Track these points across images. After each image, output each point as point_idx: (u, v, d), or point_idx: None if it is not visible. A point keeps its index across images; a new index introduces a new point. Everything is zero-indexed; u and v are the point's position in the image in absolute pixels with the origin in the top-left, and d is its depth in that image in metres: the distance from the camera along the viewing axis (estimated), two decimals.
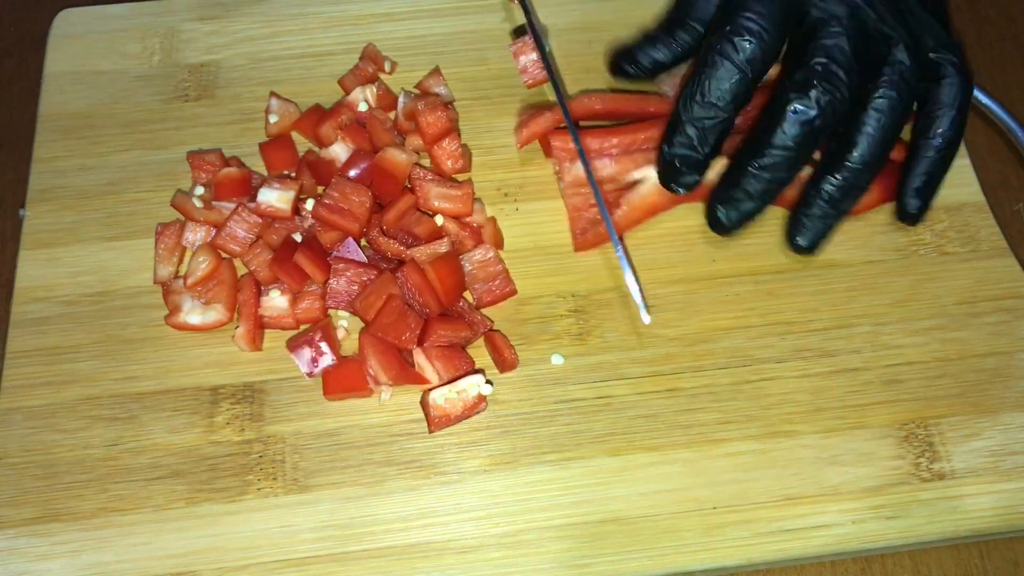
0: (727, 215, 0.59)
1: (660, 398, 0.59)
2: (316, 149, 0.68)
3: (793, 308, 0.63)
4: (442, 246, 0.62)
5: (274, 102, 0.69)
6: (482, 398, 0.58)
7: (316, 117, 0.68)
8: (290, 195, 0.63)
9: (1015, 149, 0.72)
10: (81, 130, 0.69)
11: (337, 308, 0.61)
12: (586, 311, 0.63)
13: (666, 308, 0.62)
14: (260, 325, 0.61)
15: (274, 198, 0.63)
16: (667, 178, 0.60)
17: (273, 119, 0.69)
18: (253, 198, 0.64)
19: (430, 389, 0.58)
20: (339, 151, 0.66)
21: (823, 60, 0.55)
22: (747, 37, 0.56)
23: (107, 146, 0.69)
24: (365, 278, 0.60)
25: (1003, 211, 0.69)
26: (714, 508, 0.56)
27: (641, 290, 0.59)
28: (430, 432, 0.58)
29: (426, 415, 0.58)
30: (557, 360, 0.60)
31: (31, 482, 0.57)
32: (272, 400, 0.60)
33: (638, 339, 0.61)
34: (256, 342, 0.61)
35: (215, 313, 0.61)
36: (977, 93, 0.72)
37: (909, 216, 0.61)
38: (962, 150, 0.68)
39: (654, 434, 0.58)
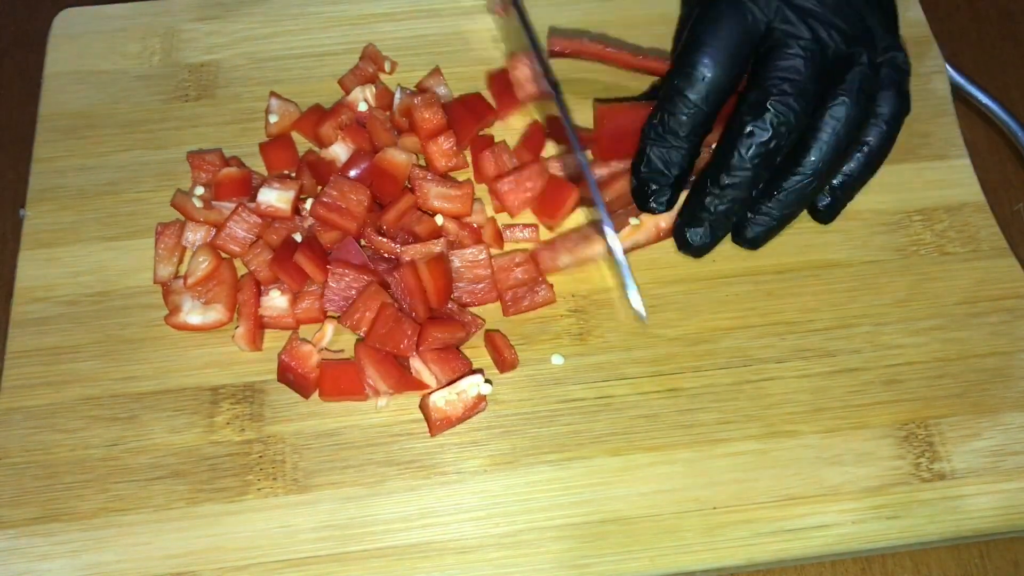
0: (693, 235, 0.60)
1: (660, 398, 0.59)
2: (316, 149, 0.68)
3: (793, 308, 0.63)
4: (437, 246, 0.62)
5: (274, 102, 0.69)
6: (482, 398, 0.58)
7: (316, 117, 0.68)
8: (290, 195, 0.63)
9: (1015, 149, 0.72)
10: (81, 130, 0.69)
11: (337, 311, 0.61)
12: (586, 311, 0.62)
13: (666, 308, 0.62)
14: (260, 325, 0.61)
15: (274, 198, 0.63)
16: (641, 201, 0.61)
17: (273, 119, 0.69)
18: (253, 198, 0.64)
19: (429, 392, 0.58)
20: (339, 151, 0.66)
21: (778, 82, 0.56)
22: (703, 73, 0.57)
23: (107, 146, 0.69)
24: (362, 282, 0.60)
25: (1003, 211, 0.69)
26: (714, 508, 0.56)
27: (638, 290, 0.59)
28: (431, 435, 0.58)
29: (427, 418, 0.58)
30: (557, 360, 0.60)
31: (31, 482, 0.57)
32: (272, 400, 0.60)
33: (638, 339, 0.61)
34: (256, 342, 0.61)
35: (215, 313, 0.61)
36: (977, 93, 0.72)
37: (818, 213, 0.62)
38: (962, 150, 0.68)
39: (654, 434, 0.58)
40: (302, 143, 0.69)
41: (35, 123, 0.70)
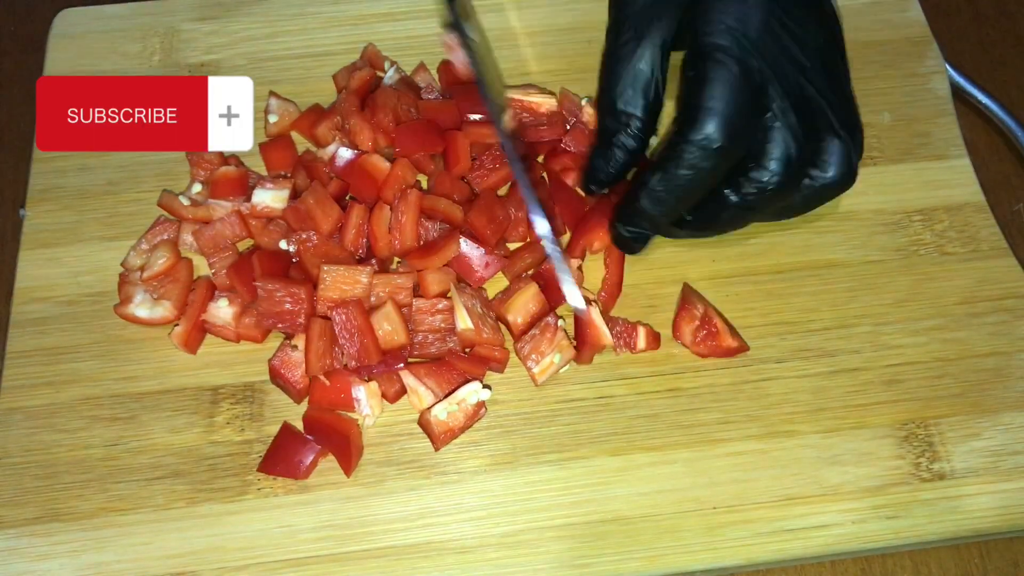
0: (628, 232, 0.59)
1: (660, 398, 0.59)
2: (314, 149, 0.68)
3: (793, 308, 0.63)
4: (362, 275, 0.59)
5: (273, 102, 0.69)
6: (482, 404, 0.58)
7: (314, 117, 0.68)
8: (284, 195, 0.63)
9: (1015, 149, 0.72)
10: None
11: (272, 328, 0.60)
12: None
13: (666, 308, 0.62)
14: (201, 329, 0.61)
15: (268, 198, 0.63)
16: (616, 237, 0.60)
17: (273, 119, 0.69)
18: (249, 197, 0.64)
19: (428, 407, 0.57)
20: (335, 151, 0.66)
21: (773, 169, 0.54)
22: (713, 141, 0.52)
23: None
24: (294, 305, 0.59)
25: (1003, 211, 0.69)
26: (714, 508, 0.56)
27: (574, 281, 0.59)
28: (436, 449, 0.58)
29: (429, 434, 0.58)
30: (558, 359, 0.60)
31: (31, 482, 0.57)
32: (272, 400, 0.59)
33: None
34: (191, 344, 0.60)
35: (162, 310, 0.61)
36: (977, 93, 0.72)
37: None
38: (962, 150, 0.68)
39: (654, 434, 0.58)
40: (302, 143, 0.69)
41: (35, 123, 0.70)
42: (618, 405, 0.59)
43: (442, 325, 0.60)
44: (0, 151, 0.74)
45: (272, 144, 0.68)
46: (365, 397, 0.58)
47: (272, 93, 0.70)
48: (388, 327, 0.58)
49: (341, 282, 0.59)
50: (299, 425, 0.58)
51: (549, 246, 0.58)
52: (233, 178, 0.65)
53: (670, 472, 0.57)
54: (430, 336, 0.60)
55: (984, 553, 0.59)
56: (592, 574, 0.55)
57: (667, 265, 0.64)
